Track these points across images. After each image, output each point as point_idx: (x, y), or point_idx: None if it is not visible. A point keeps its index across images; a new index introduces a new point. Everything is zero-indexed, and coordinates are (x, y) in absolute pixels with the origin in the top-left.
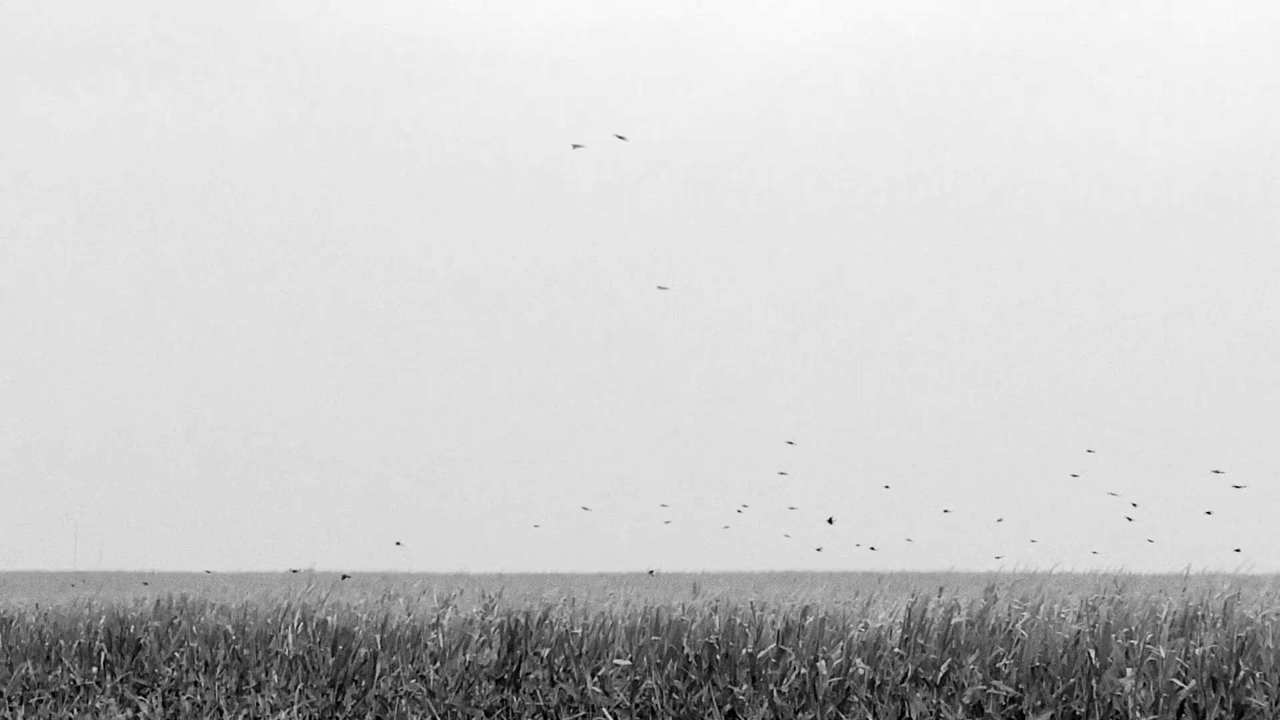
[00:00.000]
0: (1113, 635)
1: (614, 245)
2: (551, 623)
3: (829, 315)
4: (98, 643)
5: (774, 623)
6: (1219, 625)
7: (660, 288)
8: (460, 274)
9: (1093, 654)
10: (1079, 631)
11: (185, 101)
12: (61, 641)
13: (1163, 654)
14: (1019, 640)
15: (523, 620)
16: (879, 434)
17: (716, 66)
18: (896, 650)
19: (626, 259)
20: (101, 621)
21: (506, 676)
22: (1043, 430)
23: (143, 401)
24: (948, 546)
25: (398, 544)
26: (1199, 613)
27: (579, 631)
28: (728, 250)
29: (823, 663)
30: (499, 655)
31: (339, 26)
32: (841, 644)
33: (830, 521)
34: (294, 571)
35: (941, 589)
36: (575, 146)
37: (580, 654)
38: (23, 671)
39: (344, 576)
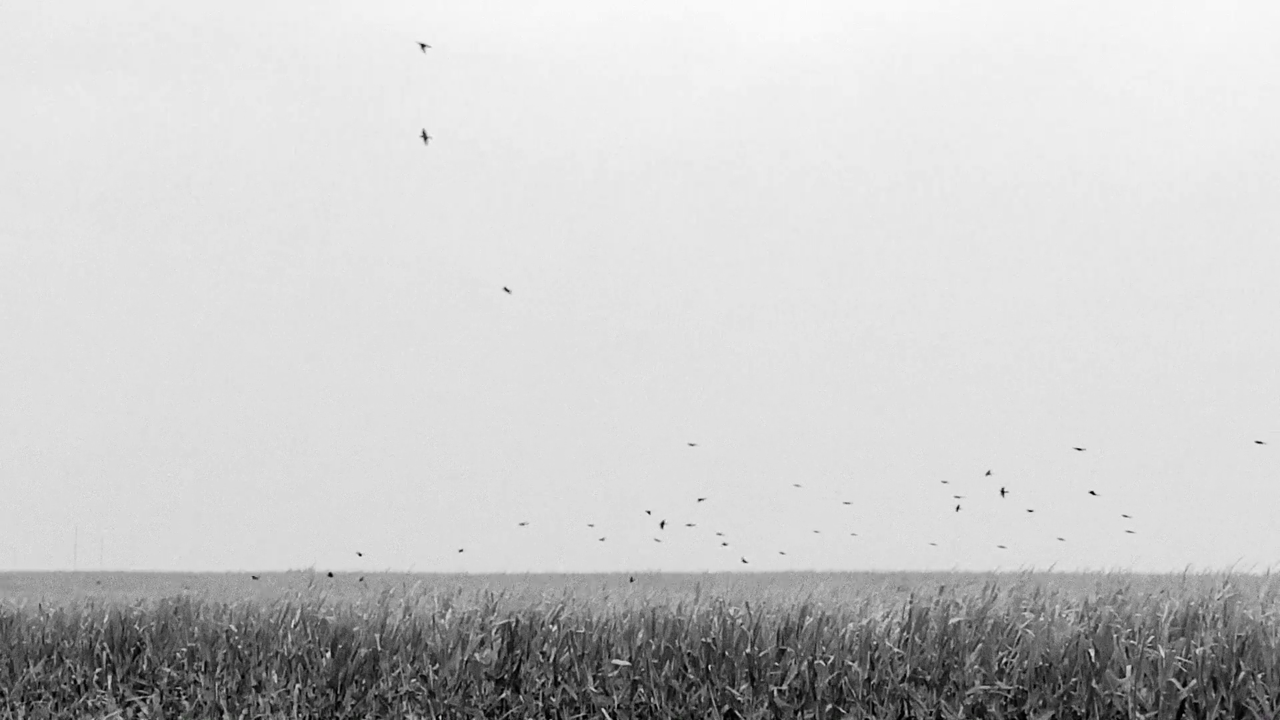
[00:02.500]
0: (1114, 635)
1: (614, 246)
2: (560, 623)
3: (831, 314)
4: (99, 643)
5: (774, 623)
6: (1220, 625)
7: (505, 290)
8: (460, 274)
9: (1093, 654)
10: (1080, 632)
11: (185, 101)
12: (65, 642)
13: (1163, 654)
14: (1019, 640)
15: (523, 620)
16: (875, 434)
17: (716, 66)
18: (894, 650)
19: (627, 260)
20: (105, 620)
21: (506, 676)
22: (1043, 429)
23: (143, 401)
24: (946, 547)
25: (359, 554)
26: (1199, 612)
27: (583, 631)
28: (727, 251)
29: (820, 662)
30: (498, 655)
31: (339, 27)
32: (838, 644)
33: (1003, 492)
34: (254, 578)
35: (942, 588)
36: (424, 136)
37: (583, 654)
38: (26, 673)
39: (329, 574)
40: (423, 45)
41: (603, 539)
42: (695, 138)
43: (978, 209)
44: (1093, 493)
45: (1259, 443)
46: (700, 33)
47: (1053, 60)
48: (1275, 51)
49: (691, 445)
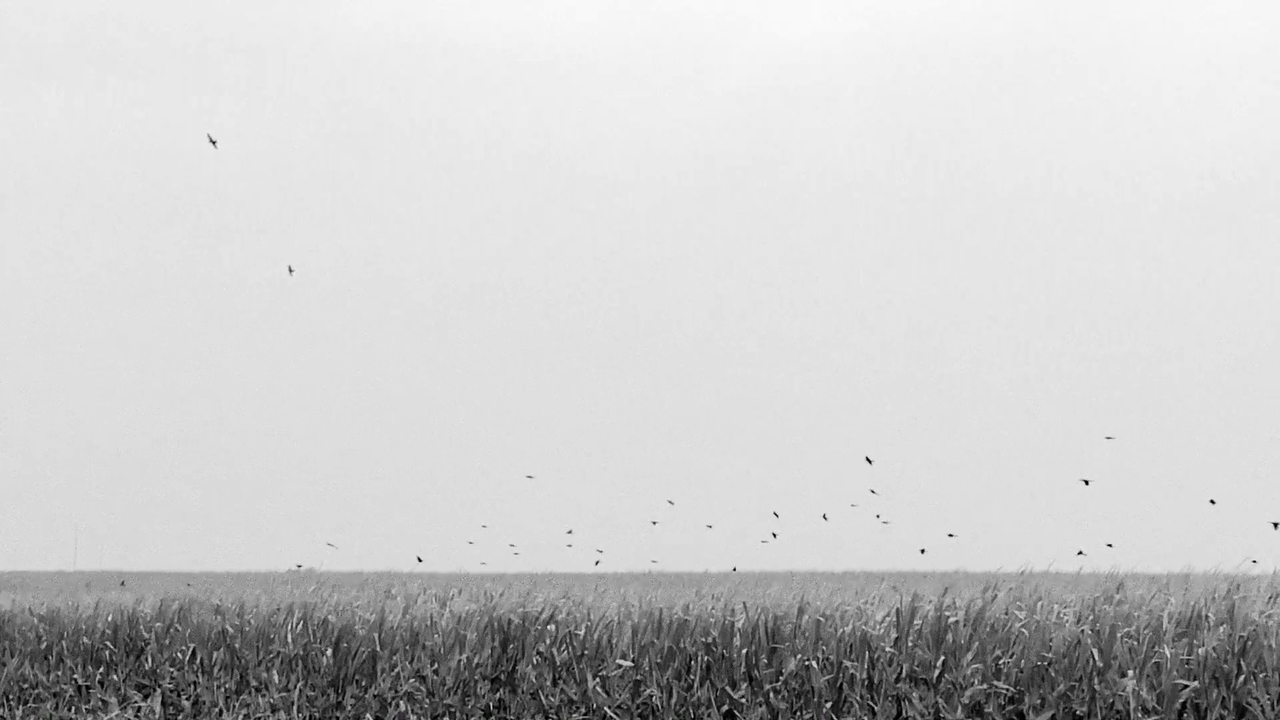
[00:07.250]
0: (1117, 635)
1: (622, 244)
2: (557, 623)
3: (838, 313)
4: (99, 643)
5: (770, 623)
6: (1221, 625)
7: (289, 269)
8: (465, 274)
9: (1096, 654)
10: (1081, 632)
11: (184, 102)
12: (65, 643)
13: (1166, 654)
14: (1017, 640)
15: (516, 620)
16: (876, 435)
17: (729, 66)
18: (889, 649)
19: (635, 257)
20: (108, 619)
21: (502, 676)
22: (1049, 430)
23: (143, 402)
24: (946, 547)
25: (298, 565)
26: (1201, 612)
27: (581, 632)
28: (739, 248)
29: (815, 663)
30: (492, 655)
31: (342, 26)
32: (835, 643)
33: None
34: (188, 585)
35: (946, 589)
36: (210, 141)
37: (583, 654)
38: (22, 672)
39: (298, 566)
40: (211, 140)
41: (654, 522)
42: (706, 137)
43: (999, 208)
44: (910, 491)
45: (1086, 482)
46: (713, 28)
47: (1066, 59)
48: (1275, 51)
49: (529, 477)
